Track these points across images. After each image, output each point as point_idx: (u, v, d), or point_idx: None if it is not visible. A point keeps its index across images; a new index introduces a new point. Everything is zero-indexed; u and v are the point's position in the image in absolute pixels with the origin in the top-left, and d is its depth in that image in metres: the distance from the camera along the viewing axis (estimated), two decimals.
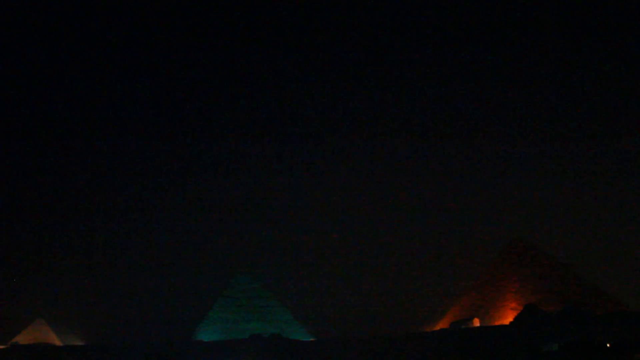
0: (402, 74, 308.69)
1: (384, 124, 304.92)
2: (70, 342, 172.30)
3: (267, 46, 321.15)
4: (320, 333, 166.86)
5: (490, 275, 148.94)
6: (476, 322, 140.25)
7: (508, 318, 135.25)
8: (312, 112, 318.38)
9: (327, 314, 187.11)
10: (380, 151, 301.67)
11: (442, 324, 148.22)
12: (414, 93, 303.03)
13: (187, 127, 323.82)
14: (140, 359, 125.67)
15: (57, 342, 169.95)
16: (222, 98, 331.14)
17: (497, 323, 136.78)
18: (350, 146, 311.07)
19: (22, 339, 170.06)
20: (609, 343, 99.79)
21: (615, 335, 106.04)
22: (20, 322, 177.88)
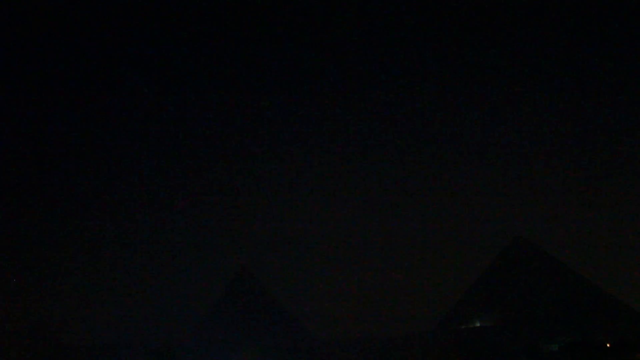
0: (403, 73, 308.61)
1: (384, 124, 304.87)
2: (71, 342, 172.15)
3: (266, 45, 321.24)
4: (320, 333, 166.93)
5: (491, 275, 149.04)
6: (476, 322, 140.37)
7: (509, 318, 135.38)
8: (312, 112, 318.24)
9: (327, 314, 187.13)
10: (379, 151, 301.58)
11: (442, 324, 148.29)
12: (414, 92, 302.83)
13: (187, 126, 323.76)
14: (140, 359, 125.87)
15: (58, 342, 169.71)
16: (221, 96, 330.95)
17: (498, 323, 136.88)
18: (351, 146, 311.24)
19: (22, 338, 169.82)
20: (609, 343, 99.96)
21: (615, 335, 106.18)
22: (20, 322, 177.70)
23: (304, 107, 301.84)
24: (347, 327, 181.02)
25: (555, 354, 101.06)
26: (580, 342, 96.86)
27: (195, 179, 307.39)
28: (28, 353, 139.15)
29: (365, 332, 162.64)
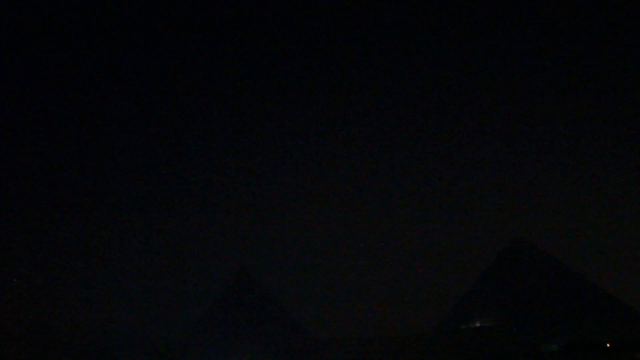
0: (401, 71, 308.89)
1: (383, 123, 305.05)
2: (71, 342, 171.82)
3: (266, 45, 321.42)
4: (319, 333, 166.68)
5: (491, 275, 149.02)
6: (476, 322, 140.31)
7: (509, 318, 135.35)
8: (312, 112, 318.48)
9: (327, 314, 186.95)
10: (379, 151, 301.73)
11: (442, 324, 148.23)
12: (412, 91, 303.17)
13: (185, 125, 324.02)
14: (141, 359, 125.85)
15: (58, 342, 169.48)
16: (221, 95, 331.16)
17: (498, 323, 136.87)
18: (350, 147, 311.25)
19: (22, 338, 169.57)
20: (609, 343, 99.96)
21: (615, 335, 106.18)
22: (20, 322, 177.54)
23: (305, 108, 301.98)
24: (347, 327, 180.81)
25: (555, 354, 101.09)
26: (580, 342, 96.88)
27: (194, 179, 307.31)
28: (28, 353, 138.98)
29: (365, 332, 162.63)
